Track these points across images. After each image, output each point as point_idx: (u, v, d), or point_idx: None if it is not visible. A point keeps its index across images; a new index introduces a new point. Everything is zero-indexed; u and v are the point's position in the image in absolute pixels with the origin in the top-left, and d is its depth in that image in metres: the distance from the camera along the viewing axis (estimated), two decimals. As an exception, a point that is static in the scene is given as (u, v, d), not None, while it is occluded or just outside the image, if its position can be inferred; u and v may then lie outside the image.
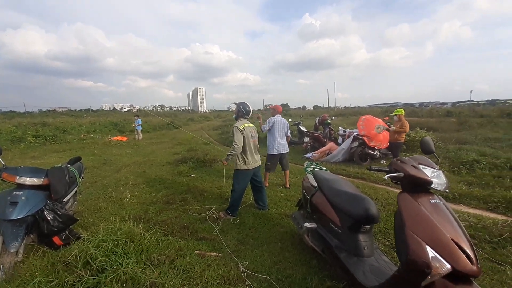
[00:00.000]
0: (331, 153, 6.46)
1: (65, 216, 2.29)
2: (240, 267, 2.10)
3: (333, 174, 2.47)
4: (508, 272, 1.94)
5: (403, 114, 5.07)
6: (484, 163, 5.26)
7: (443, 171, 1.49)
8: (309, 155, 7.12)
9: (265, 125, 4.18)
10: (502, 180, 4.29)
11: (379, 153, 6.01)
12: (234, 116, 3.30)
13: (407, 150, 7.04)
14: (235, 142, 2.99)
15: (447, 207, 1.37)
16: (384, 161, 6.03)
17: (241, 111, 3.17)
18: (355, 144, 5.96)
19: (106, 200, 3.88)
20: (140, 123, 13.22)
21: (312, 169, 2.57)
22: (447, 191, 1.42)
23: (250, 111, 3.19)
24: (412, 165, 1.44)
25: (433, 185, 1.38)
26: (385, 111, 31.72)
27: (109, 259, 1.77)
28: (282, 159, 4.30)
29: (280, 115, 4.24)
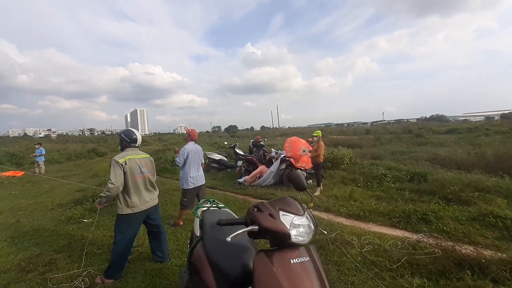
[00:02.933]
0: (262, 176, 6.26)
1: None
2: None
3: (232, 214, 2.06)
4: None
5: (321, 135, 5.31)
6: (390, 176, 5.89)
7: (310, 212, 1.22)
8: (242, 179, 6.76)
9: (178, 157, 3.58)
10: (403, 192, 4.76)
11: (305, 174, 6.11)
12: (120, 147, 2.64)
13: (332, 167, 7.50)
14: (110, 180, 2.31)
15: (316, 265, 1.07)
16: (311, 181, 6.15)
17: (125, 141, 2.55)
18: (283, 166, 5.93)
19: None
20: (43, 152, 10.66)
21: (205, 209, 2.11)
22: (308, 243, 1.12)
23: (137, 139, 2.59)
24: (269, 213, 1.11)
25: (292, 238, 1.07)
26: (321, 130, 35.54)
27: None
28: (198, 192, 3.74)
29: (194, 142, 3.74)
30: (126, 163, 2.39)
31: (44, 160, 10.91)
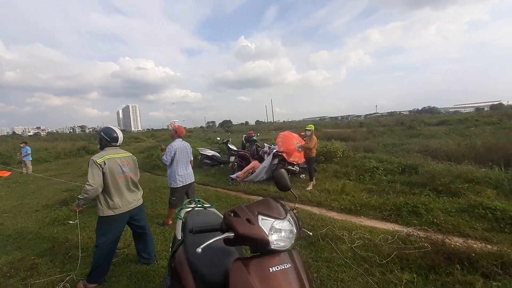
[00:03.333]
0: (254, 171, 6.20)
1: None
2: None
3: (217, 214, 1.97)
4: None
5: (313, 129, 5.25)
6: (382, 169, 5.91)
7: (294, 214, 1.14)
8: (234, 175, 6.68)
9: (165, 155, 3.46)
10: (394, 185, 4.77)
11: (298, 168, 6.07)
12: (99, 146, 2.50)
13: (325, 161, 7.49)
14: (87, 181, 2.19)
15: (298, 272, 1.00)
16: (304, 176, 6.12)
17: (104, 139, 2.41)
18: (275, 161, 5.87)
19: None
20: (29, 152, 10.32)
21: (189, 210, 2.02)
22: (290, 248, 1.04)
23: (118, 137, 2.45)
24: (246, 219, 1.02)
25: (272, 245, 0.99)
26: (315, 124, 35.61)
27: None
28: (188, 190, 3.64)
29: (181, 139, 3.61)
30: (105, 163, 2.27)
31: (31, 159, 10.58)
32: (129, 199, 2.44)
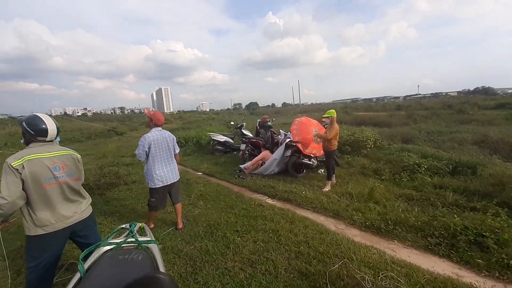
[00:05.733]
0: (265, 163, 5.39)
1: None
2: None
3: (153, 261, 1.25)
4: None
5: (335, 116, 4.16)
6: (425, 167, 4.64)
7: None
8: (244, 165, 5.97)
9: (137, 149, 2.79)
10: (444, 192, 3.58)
11: (316, 162, 5.09)
12: (23, 141, 1.90)
13: (351, 152, 6.34)
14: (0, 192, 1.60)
15: None
16: (322, 171, 5.14)
17: (28, 133, 1.78)
18: (288, 152, 4.95)
19: None
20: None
21: (111, 248, 1.32)
22: None
23: (47, 130, 1.80)
24: None
25: None
26: (345, 107, 32.75)
27: None
28: (170, 191, 3.00)
29: (160, 128, 2.92)
30: (23, 166, 1.65)
31: (59, 140, 11.12)
32: (66, 213, 1.84)
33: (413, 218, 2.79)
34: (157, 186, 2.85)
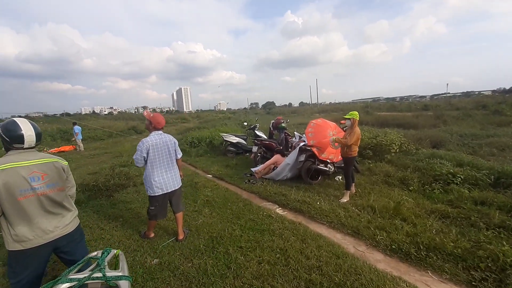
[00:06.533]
0: (277, 167, 5.06)
1: None
2: None
3: None
4: None
5: (357, 118, 3.71)
6: (462, 177, 4.04)
7: None
8: (256, 168, 5.68)
9: (135, 154, 2.59)
10: (487, 210, 3.02)
11: (333, 168, 4.66)
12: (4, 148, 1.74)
13: (373, 157, 5.79)
14: None
15: None
16: (340, 178, 4.69)
17: (4, 140, 1.61)
18: (302, 157, 4.57)
19: None
20: (77, 131, 11.25)
21: (74, 284, 1.08)
22: None
23: (23, 136, 1.61)
24: None
25: None
26: (366, 106, 31.16)
27: None
28: (171, 198, 2.79)
29: (160, 131, 2.71)
30: (-5, 177, 1.48)
31: (81, 138, 11.60)
32: (46, 227, 1.65)
33: (452, 244, 2.31)
34: (157, 194, 2.64)
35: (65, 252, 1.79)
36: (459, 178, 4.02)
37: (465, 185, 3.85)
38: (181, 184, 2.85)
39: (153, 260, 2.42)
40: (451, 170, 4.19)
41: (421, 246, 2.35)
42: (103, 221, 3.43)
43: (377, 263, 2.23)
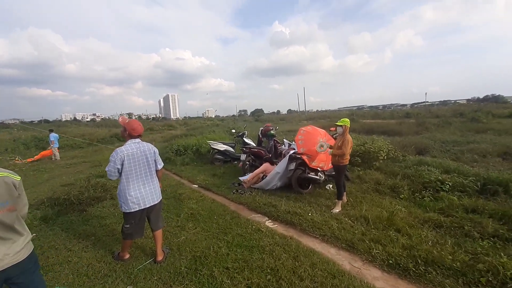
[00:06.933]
0: (266, 176, 4.86)
1: None
2: None
3: None
4: None
5: (349, 125, 3.62)
6: (450, 184, 4.05)
7: None
8: (244, 177, 5.45)
9: (108, 165, 2.30)
10: (479, 218, 2.97)
11: (323, 176, 4.54)
12: None
13: (362, 164, 5.75)
14: None
15: None
16: (331, 186, 4.57)
17: None
18: (292, 165, 4.42)
19: None
20: (52, 139, 10.51)
21: None
22: None
23: None
24: None
25: None
26: (352, 114, 32.02)
27: None
28: (149, 214, 2.50)
29: (139, 139, 2.45)
30: None
31: (57, 146, 10.85)
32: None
33: (450, 257, 2.20)
34: (132, 210, 2.35)
35: (17, 284, 1.48)
36: (448, 185, 4.02)
37: (454, 192, 3.84)
38: (161, 198, 2.58)
39: (126, 288, 2.12)
40: (440, 177, 4.19)
41: (419, 260, 2.22)
42: (72, 240, 3.05)
43: (375, 281, 2.07)
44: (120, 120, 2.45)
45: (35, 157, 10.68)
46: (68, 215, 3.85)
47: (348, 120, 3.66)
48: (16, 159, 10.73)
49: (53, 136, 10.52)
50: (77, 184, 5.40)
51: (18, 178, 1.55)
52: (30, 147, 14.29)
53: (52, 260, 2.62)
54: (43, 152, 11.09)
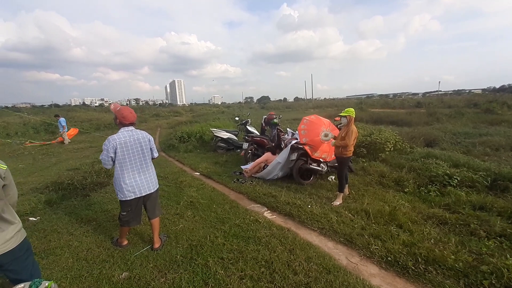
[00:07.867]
0: (267, 165, 4.80)
1: None
2: None
3: None
4: None
5: (354, 116, 3.46)
6: (458, 178, 3.89)
7: None
8: (246, 166, 5.42)
9: (102, 154, 2.28)
10: (487, 216, 2.85)
11: (326, 167, 4.44)
12: None
13: (367, 155, 5.61)
14: None
15: None
16: (333, 178, 4.48)
17: None
18: (294, 156, 4.33)
19: None
20: (64, 123, 10.69)
21: None
22: None
23: None
24: None
25: None
26: (360, 102, 31.13)
27: None
28: (146, 202, 2.50)
29: (132, 127, 2.40)
30: None
31: (66, 130, 11.05)
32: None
33: (452, 256, 2.12)
34: (128, 198, 2.34)
35: (10, 271, 1.50)
36: (456, 180, 3.86)
37: (462, 187, 3.70)
38: (157, 186, 2.56)
39: (122, 274, 2.15)
40: (447, 171, 4.03)
41: (419, 259, 2.15)
42: (74, 224, 3.11)
43: (371, 278, 2.02)
44: (111, 107, 2.39)
45: (33, 143, 10.93)
46: (72, 199, 3.93)
47: (353, 110, 3.49)
48: (27, 142, 11.01)
49: (63, 120, 10.68)
50: (82, 169, 5.49)
51: (4, 167, 1.52)
52: (40, 131, 14.61)
53: (54, 244, 2.68)
54: (60, 139, 11.16)
